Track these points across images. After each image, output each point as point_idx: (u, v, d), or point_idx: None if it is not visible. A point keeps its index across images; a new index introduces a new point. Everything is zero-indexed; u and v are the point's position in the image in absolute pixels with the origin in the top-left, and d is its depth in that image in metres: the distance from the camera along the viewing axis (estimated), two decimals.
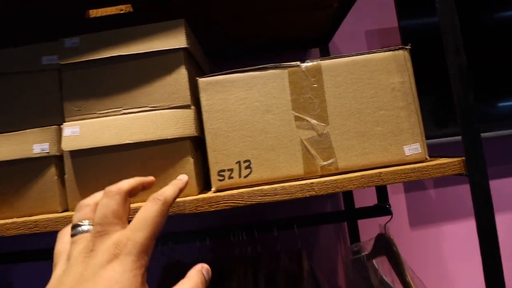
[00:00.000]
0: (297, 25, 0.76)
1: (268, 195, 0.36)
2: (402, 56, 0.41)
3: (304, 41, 0.88)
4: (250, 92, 0.40)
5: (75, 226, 0.24)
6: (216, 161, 0.39)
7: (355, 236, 0.82)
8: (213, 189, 0.39)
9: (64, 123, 0.40)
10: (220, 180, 0.39)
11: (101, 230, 0.22)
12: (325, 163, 0.39)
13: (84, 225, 0.24)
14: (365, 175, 0.37)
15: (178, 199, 0.36)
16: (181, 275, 0.23)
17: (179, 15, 0.61)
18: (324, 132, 0.40)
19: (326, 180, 0.36)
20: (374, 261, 0.68)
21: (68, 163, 0.40)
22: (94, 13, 0.59)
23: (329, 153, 0.40)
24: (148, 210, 0.23)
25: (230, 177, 0.39)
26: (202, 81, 0.39)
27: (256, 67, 0.40)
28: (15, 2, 0.48)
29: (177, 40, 0.39)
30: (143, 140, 0.38)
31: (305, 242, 0.86)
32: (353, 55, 0.40)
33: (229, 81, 0.40)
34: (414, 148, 0.40)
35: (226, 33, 0.74)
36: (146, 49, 0.39)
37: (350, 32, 0.94)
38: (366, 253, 0.71)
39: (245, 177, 0.39)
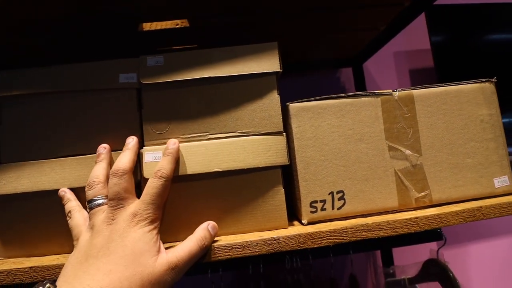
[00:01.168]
0: (336, 45, 0.76)
1: (373, 231, 0.34)
2: (488, 88, 0.41)
3: (337, 60, 0.88)
4: (343, 119, 0.38)
5: (91, 201, 0.31)
6: (308, 191, 0.37)
7: (389, 264, 0.80)
8: (304, 221, 0.37)
9: (144, 148, 0.36)
10: (312, 212, 0.37)
11: (117, 204, 0.30)
12: (419, 195, 0.38)
13: (99, 199, 0.31)
14: (466, 210, 0.36)
15: (273, 235, 0.33)
16: None
17: (234, 33, 0.60)
18: (418, 163, 0.38)
19: (429, 215, 0.35)
20: (418, 285, 0.67)
21: None
22: (148, 26, 0.56)
23: (423, 184, 0.38)
24: (154, 187, 0.31)
25: (322, 209, 0.37)
26: (293, 106, 0.38)
27: (349, 94, 0.39)
28: (70, 15, 0.45)
29: (270, 64, 0.37)
30: (232, 169, 0.36)
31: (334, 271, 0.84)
32: (443, 85, 0.40)
33: (322, 108, 0.38)
34: (503, 181, 0.40)
35: None
36: (237, 71, 0.37)
37: (379, 52, 0.95)
38: (409, 276, 0.70)
39: (338, 209, 0.37)
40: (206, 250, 0.32)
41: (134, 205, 0.30)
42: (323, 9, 0.53)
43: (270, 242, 0.33)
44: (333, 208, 0.37)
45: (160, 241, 0.31)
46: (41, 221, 0.34)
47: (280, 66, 0.38)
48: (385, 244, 0.79)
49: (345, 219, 0.37)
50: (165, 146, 0.36)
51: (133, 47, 0.61)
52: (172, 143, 0.35)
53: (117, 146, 0.37)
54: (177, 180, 0.36)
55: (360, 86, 0.85)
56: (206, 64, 0.37)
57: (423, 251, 0.87)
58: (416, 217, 0.34)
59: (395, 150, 0.38)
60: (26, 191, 0.35)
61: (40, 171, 0.36)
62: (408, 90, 0.39)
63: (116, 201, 0.30)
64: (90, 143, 0.37)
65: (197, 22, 0.55)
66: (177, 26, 0.56)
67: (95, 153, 0.36)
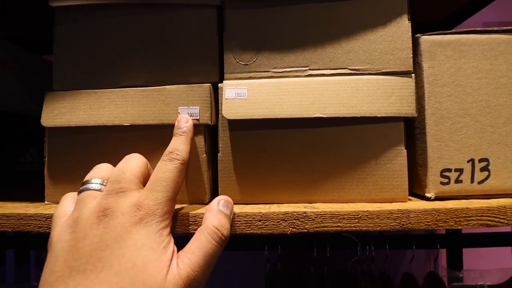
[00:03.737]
0: (424, 6, 0.63)
1: None
2: None
3: (421, 25, 0.75)
4: (495, 62, 0.27)
5: (84, 183, 0.23)
6: (439, 155, 0.27)
7: (456, 267, 0.68)
8: (430, 194, 0.27)
9: (225, 81, 0.28)
10: (443, 183, 0.27)
11: (117, 188, 0.21)
12: None
13: (95, 183, 0.23)
14: None
15: (400, 207, 0.24)
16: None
17: None
18: None
19: None
20: None
21: (224, 137, 0.28)
22: None
23: None
24: (166, 170, 0.22)
25: (457, 181, 0.27)
26: (426, 39, 0.28)
27: (504, 28, 0.28)
28: None
29: None
30: (341, 115, 0.27)
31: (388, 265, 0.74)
32: None
33: (466, 44, 0.27)
34: None
35: None
36: None
37: (466, 22, 0.81)
38: (489, 283, 0.58)
39: (479, 183, 0.27)
40: (226, 242, 0.22)
41: (139, 194, 0.21)
42: None
43: (396, 216, 0.23)
44: (472, 181, 0.27)
45: (173, 245, 0.21)
46: (98, 161, 0.27)
47: None
48: (454, 242, 0.68)
49: (488, 198, 0.27)
50: (251, 81, 0.28)
51: None
52: (185, 120, 0.26)
53: (190, 79, 0.29)
54: (264, 126, 0.28)
55: None
56: None
57: (499, 255, 0.74)
58: None
59: None
60: (80, 124, 0.29)
61: (99, 103, 0.29)
62: None
63: (117, 183, 0.21)
64: (159, 72, 0.29)
65: None
66: None
67: (162, 86, 0.29)
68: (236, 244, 0.25)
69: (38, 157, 0.54)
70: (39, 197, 0.32)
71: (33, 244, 0.65)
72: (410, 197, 0.30)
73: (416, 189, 0.30)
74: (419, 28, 0.76)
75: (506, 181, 0.27)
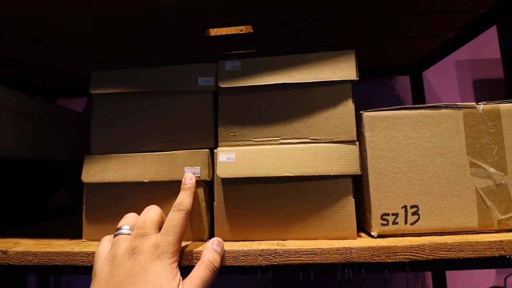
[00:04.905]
0: (397, 52, 0.73)
1: (452, 251, 0.32)
2: None
3: (394, 67, 0.84)
4: (420, 131, 0.37)
5: (118, 229, 0.32)
6: (379, 203, 0.36)
7: None
8: (374, 233, 0.36)
9: (219, 148, 0.38)
10: (383, 225, 0.36)
11: (141, 232, 0.30)
12: (503, 217, 0.35)
13: (125, 229, 0.32)
14: None
15: (345, 244, 0.33)
16: None
17: (295, 41, 0.61)
18: (503, 182, 0.36)
19: None
20: None
21: (218, 190, 0.38)
22: (214, 32, 0.59)
23: (507, 206, 0.35)
24: (175, 219, 0.31)
25: (394, 222, 0.36)
26: (367, 115, 0.37)
27: (427, 105, 0.37)
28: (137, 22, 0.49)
29: (346, 71, 0.37)
30: (303, 174, 0.36)
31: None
32: None
33: (398, 118, 0.37)
34: None
35: None
36: (312, 78, 0.37)
37: (440, 61, 0.90)
38: None
39: (411, 224, 0.36)
40: (217, 271, 0.31)
41: (156, 237, 0.30)
42: (388, 15, 0.52)
43: (342, 251, 0.32)
44: (406, 223, 0.36)
45: (179, 274, 0.30)
46: (124, 210, 0.37)
47: (357, 74, 0.37)
48: (438, 266, 0.74)
49: (418, 236, 0.35)
50: (238, 148, 0.38)
51: (199, 51, 0.65)
52: (189, 178, 0.36)
53: (193, 145, 0.39)
54: (245, 181, 0.37)
55: (418, 96, 0.81)
56: (281, 70, 0.38)
57: (482, 276, 0.79)
58: (502, 241, 0.32)
59: (477, 166, 0.36)
60: (112, 181, 0.39)
61: (125, 164, 0.39)
62: (494, 104, 0.37)
63: (141, 229, 0.30)
64: (169, 141, 0.40)
65: (261, 28, 0.57)
66: (241, 32, 0.58)
67: (173, 150, 0.39)
68: (234, 269, 0.34)
69: (66, 195, 0.64)
70: (73, 233, 0.42)
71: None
72: (362, 234, 0.38)
73: (366, 228, 0.38)
74: (397, 69, 0.85)
75: (432, 222, 0.36)
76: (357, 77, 0.37)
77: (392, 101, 0.88)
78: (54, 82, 0.81)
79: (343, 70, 0.37)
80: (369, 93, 0.88)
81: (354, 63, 0.37)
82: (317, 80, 0.37)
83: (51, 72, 0.73)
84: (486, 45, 0.88)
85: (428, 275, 0.81)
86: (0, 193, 0.48)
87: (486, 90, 0.88)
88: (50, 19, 0.45)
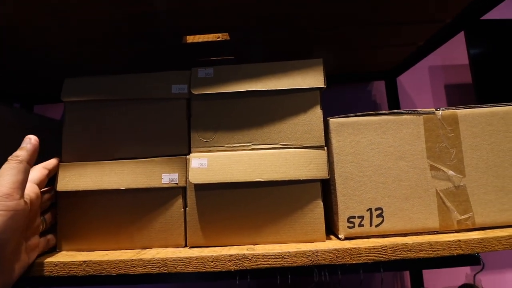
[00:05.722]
0: (371, 60, 0.76)
1: (413, 251, 0.34)
2: None
3: (370, 73, 0.88)
4: (384, 136, 0.38)
5: None
6: (346, 206, 0.37)
7: (418, 287, 0.77)
8: (341, 236, 0.37)
9: (192, 154, 0.39)
10: (349, 228, 0.37)
11: None
12: (462, 217, 0.37)
13: None
14: None
15: (312, 247, 0.34)
16: None
17: (272, 47, 0.62)
18: (461, 184, 0.38)
19: (473, 239, 0.34)
20: None
21: (191, 195, 0.38)
22: (191, 39, 0.60)
23: (466, 206, 0.38)
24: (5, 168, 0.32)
25: (360, 225, 0.37)
26: (333, 121, 0.39)
27: (389, 111, 0.39)
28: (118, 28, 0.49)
29: (315, 79, 0.39)
30: (274, 179, 0.37)
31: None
32: (489, 106, 0.39)
33: (362, 124, 0.39)
34: None
35: None
36: (282, 86, 0.39)
37: (414, 66, 0.94)
38: None
39: (376, 226, 0.37)
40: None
41: None
42: (362, 24, 0.54)
43: (308, 254, 0.33)
44: (371, 225, 0.37)
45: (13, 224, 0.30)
46: (100, 218, 0.37)
47: (325, 82, 0.39)
48: (415, 265, 0.76)
49: (383, 237, 0.37)
50: (210, 153, 0.38)
51: (177, 58, 0.65)
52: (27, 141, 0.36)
53: (167, 152, 0.40)
54: (217, 187, 0.38)
55: (393, 101, 0.84)
56: (253, 77, 0.40)
57: (456, 275, 0.83)
58: (459, 240, 0.34)
59: (437, 169, 0.38)
60: (87, 189, 0.39)
61: (102, 172, 0.39)
62: (452, 110, 0.39)
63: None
64: (144, 148, 0.40)
65: (237, 36, 0.58)
66: (218, 39, 0.59)
67: (150, 157, 0.39)
68: (203, 275, 0.34)
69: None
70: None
71: None
72: (332, 236, 0.40)
73: (334, 231, 0.40)
74: (373, 75, 0.88)
75: (396, 224, 0.37)
76: (325, 85, 0.39)
77: (369, 106, 0.90)
78: (30, 88, 0.80)
79: (311, 78, 0.39)
80: (348, 98, 0.90)
81: (322, 71, 0.39)
82: (287, 88, 0.39)
83: (26, 79, 0.72)
84: (457, 51, 0.92)
85: (406, 274, 0.83)
86: None
87: (458, 95, 0.92)
88: (30, 27, 0.45)
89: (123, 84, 0.41)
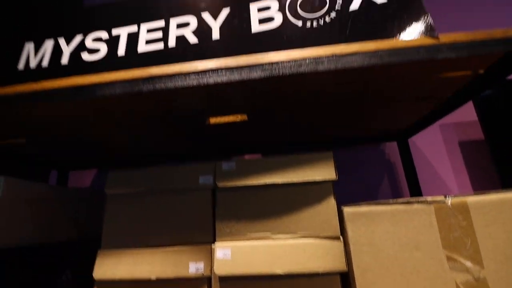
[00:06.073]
0: (382, 126, 0.81)
1: None
2: None
3: (382, 134, 0.91)
4: (397, 226, 0.40)
5: None
6: None
7: None
8: None
9: (216, 243, 0.42)
10: None
11: None
12: None
13: None
14: None
15: None
16: None
17: (281, 127, 0.68)
18: (481, 276, 0.38)
19: None
20: None
21: (216, 286, 0.41)
22: (214, 120, 0.67)
23: None
24: None
25: None
26: (348, 211, 0.41)
27: (401, 200, 0.41)
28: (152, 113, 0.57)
29: (327, 172, 0.43)
30: (294, 272, 0.39)
31: None
32: (500, 192, 0.41)
33: (375, 213, 0.41)
34: None
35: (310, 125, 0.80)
36: (298, 178, 0.43)
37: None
38: None
39: None
40: None
41: None
42: (375, 99, 0.59)
43: None
44: None
45: None
46: None
47: (336, 174, 0.43)
48: None
49: None
50: (233, 243, 0.42)
51: (202, 135, 0.72)
52: None
53: (194, 239, 0.43)
54: (243, 278, 0.40)
55: (407, 161, 0.86)
56: (271, 170, 0.44)
57: None
58: None
59: (454, 260, 0.39)
60: (122, 278, 0.42)
61: (134, 261, 0.43)
62: (462, 198, 0.41)
63: None
64: (173, 235, 0.44)
65: (254, 116, 0.64)
66: (237, 120, 0.66)
67: (177, 244, 0.43)
68: None
69: (71, 276, 0.67)
70: None
71: None
72: None
73: None
74: (384, 137, 0.92)
75: None
76: (336, 177, 0.43)
77: (384, 166, 0.92)
78: (68, 158, 0.89)
79: (324, 171, 0.43)
80: (362, 158, 0.93)
81: (333, 164, 0.43)
82: (302, 180, 0.43)
83: (66, 152, 0.81)
84: (467, 108, 0.95)
85: None
86: (7, 280, 0.51)
87: (473, 152, 0.92)
88: (76, 120, 0.54)
89: (156, 177, 0.47)
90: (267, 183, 0.43)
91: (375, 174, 0.92)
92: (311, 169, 0.43)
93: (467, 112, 0.96)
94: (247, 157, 0.94)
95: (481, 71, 0.49)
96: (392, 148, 0.95)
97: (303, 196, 0.43)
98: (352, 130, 0.80)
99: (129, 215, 0.46)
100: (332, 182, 0.43)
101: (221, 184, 0.45)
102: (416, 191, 0.80)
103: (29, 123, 0.56)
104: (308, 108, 0.60)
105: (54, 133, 0.61)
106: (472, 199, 0.41)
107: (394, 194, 0.89)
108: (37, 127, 0.57)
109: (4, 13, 0.62)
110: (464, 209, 0.40)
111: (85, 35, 0.57)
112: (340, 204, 0.43)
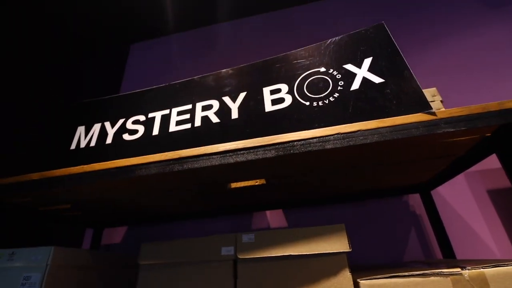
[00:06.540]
0: (405, 178, 0.81)
1: None
2: None
3: (404, 187, 0.91)
4: None
5: None
6: None
7: None
8: None
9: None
10: None
11: None
12: None
13: None
14: None
15: None
16: None
17: (299, 187, 0.73)
18: None
19: None
20: None
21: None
22: (234, 185, 0.73)
23: None
24: None
25: None
26: (365, 284, 0.43)
27: (417, 272, 0.42)
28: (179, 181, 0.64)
29: (340, 244, 0.45)
30: None
31: None
32: None
33: (390, 286, 0.42)
34: None
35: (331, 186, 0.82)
36: (312, 250, 0.46)
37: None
38: None
39: None
40: None
41: None
42: (390, 163, 0.62)
43: None
44: None
45: None
46: None
47: (349, 246, 0.45)
48: None
49: None
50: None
51: (223, 198, 0.78)
52: None
53: None
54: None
55: (433, 212, 0.84)
56: (287, 242, 0.47)
57: None
58: None
59: None
60: None
61: None
62: (479, 269, 0.41)
63: None
64: None
65: (272, 181, 0.70)
66: (256, 184, 0.72)
67: None
68: None
69: None
70: None
71: None
72: None
73: None
74: (406, 189, 0.91)
75: None
76: (350, 249, 0.45)
77: (409, 219, 0.91)
78: (103, 219, 0.98)
79: (337, 243, 0.46)
80: (386, 209, 0.93)
81: (346, 236, 0.46)
82: (317, 252, 0.46)
83: (103, 215, 0.90)
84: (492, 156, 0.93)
85: None
86: None
87: (504, 199, 0.88)
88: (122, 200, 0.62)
89: (183, 249, 0.52)
90: (283, 254, 0.47)
91: (401, 227, 0.90)
92: (323, 241, 0.46)
93: (492, 159, 0.94)
94: (268, 213, 0.97)
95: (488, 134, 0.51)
96: (415, 200, 0.94)
97: (319, 268, 0.45)
98: (370, 184, 0.82)
99: (157, 284, 0.51)
100: (346, 253, 0.45)
101: (242, 256, 0.48)
102: (446, 246, 0.77)
103: (76, 195, 0.65)
104: (322, 172, 0.64)
105: (96, 202, 0.70)
106: (491, 271, 0.41)
107: (423, 248, 0.86)
108: (83, 197, 0.66)
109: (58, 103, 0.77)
110: (482, 282, 0.40)
111: (127, 118, 0.68)
112: (365, 259, 0.44)
